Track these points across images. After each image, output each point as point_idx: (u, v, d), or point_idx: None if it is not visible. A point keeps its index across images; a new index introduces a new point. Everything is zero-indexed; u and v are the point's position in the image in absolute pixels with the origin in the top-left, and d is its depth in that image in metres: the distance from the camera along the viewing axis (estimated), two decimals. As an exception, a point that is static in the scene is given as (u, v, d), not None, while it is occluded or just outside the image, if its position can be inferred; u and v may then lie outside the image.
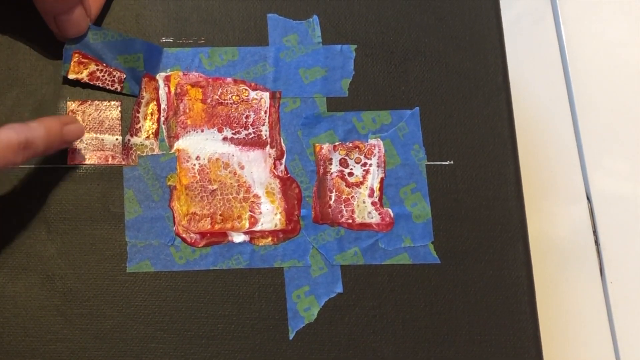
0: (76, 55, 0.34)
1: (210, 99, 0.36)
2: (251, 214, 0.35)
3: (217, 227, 0.35)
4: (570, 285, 0.46)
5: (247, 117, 0.36)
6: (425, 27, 0.38)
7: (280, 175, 0.36)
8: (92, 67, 0.34)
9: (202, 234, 0.35)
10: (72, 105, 0.35)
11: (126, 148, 0.35)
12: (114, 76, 0.35)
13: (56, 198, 0.34)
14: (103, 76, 0.35)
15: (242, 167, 0.36)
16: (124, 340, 0.34)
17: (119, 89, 0.35)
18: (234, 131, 0.36)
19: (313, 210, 0.36)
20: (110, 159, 0.35)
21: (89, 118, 0.35)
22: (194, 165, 0.35)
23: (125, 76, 0.35)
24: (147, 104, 0.36)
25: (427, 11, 0.39)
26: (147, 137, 0.35)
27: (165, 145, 0.36)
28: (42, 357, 0.33)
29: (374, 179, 0.36)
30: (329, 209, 0.36)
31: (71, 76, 0.34)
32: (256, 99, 0.36)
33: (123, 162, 0.35)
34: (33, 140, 0.31)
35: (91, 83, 0.35)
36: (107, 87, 0.35)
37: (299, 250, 0.35)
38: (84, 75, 0.34)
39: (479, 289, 0.36)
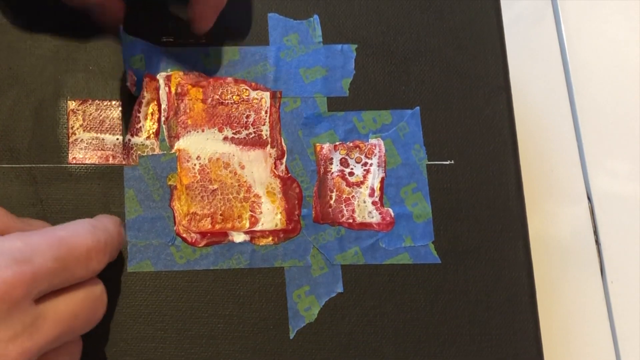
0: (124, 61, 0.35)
1: (210, 99, 0.36)
2: (252, 213, 0.35)
3: (217, 226, 0.35)
4: (570, 285, 0.46)
5: (247, 116, 0.36)
6: (425, 26, 0.38)
7: (281, 175, 0.36)
8: (128, 71, 0.34)
9: (203, 234, 0.35)
10: (72, 105, 0.35)
11: (127, 148, 0.35)
12: (133, 79, 0.35)
13: (56, 197, 0.34)
14: (130, 80, 0.35)
15: (242, 167, 0.36)
16: (124, 340, 0.33)
17: (132, 91, 0.35)
18: (234, 131, 0.36)
19: (314, 210, 0.36)
20: (110, 159, 0.35)
21: (90, 117, 0.35)
22: (195, 165, 0.35)
23: (136, 78, 0.35)
24: (148, 103, 0.36)
25: (428, 11, 0.39)
26: (148, 137, 0.35)
27: (165, 145, 0.36)
28: (42, 356, 0.33)
29: (374, 179, 0.36)
30: (330, 209, 0.36)
31: (127, 83, 0.34)
32: (257, 99, 0.36)
33: (124, 162, 0.35)
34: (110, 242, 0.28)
35: (129, 88, 0.35)
36: (132, 91, 0.35)
37: (300, 250, 0.35)
38: (128, 82, 0.34)
39: (479, 289, 0.36)
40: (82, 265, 0.27)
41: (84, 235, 0.27)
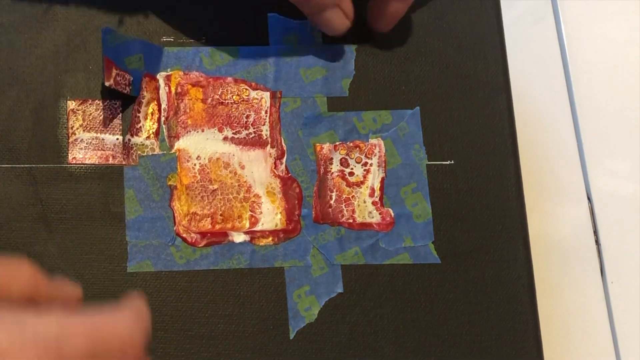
0: (105, 60, 0.34)
1: (210, 99, 0.36)
2: (252, 213, 0.35)
3: (217, 227, 0.35)
4: (570, 285, 0.46)
5: (247, 116, 0.36)
6: (425, 27, 0.38)
7: (281, 175, 0.36)
8: (114, 71, 0.34)
9: (203, 234, 0.35)
10: (72, 105, 0.35)
11: (127, 148, 0.35)
12: (126, 79, 0.35)
13: (56, 197, 0.34)
14: (121, 80, 0.34)
15: (242, 167, 0.36)
16: (124, 340, 0.33)
17: (128, 92, 0.35)
18: (234, 131, 0.36)
19: (314, 210, 0.35)
20: (110, 159, 0.35)
21: (90, 117, 0.35)
22: (195, 165, 0.35)
23: (132, 78, 0.35)
24: (148, 103, 0.36)
25: (428, 11, 0.39)
26: (148, 137, 0.35)
27: (165, 145, 0.36)
28: (42, 357, 0.33)
29: (374, 179, 0.36)
30: (330, 209, 0.36)
31: (107, 83, 0.34)
32: (257, 99, 0.36)
33: (123, 162, 0.35)
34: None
35: (114, 88, 0.34)
36: (122, 91, 0.35)
37: (300, 250, 0.35)
38: (112, 82, 0.34)
39: (479, 289, 0.36)
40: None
41: (123, 326, 0.24)
